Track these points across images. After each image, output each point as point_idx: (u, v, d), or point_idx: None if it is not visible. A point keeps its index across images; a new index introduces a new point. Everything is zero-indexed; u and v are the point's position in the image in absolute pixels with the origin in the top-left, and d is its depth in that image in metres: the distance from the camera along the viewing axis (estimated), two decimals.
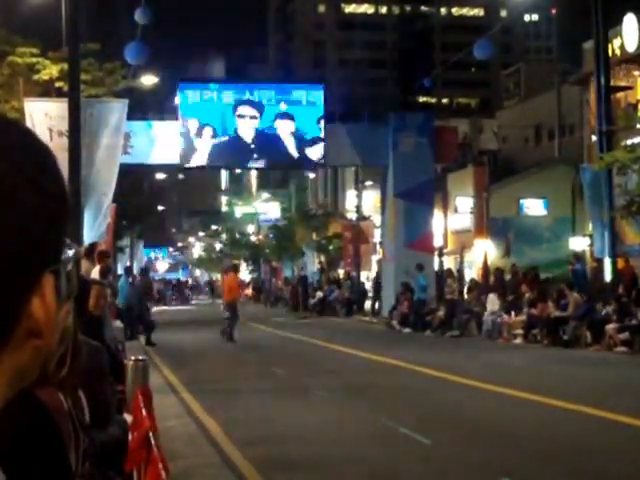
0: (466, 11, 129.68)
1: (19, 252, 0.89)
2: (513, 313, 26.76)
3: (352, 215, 49.40)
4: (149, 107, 42.92)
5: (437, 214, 38.11)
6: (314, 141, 35.49)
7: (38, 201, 0.91)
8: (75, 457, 1.88)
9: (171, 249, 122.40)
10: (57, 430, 1.46)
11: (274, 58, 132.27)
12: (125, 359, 8.81)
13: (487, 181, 40.24)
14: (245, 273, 73.24)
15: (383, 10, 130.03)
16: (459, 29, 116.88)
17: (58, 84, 24.72)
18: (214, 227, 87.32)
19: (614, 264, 27.06)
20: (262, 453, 9.91)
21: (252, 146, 35.21)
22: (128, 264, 40.77)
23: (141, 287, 28.16)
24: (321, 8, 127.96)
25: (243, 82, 38.97)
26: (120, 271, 34.38)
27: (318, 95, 36.25)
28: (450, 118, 52.00)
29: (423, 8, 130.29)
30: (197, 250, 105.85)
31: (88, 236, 19.23)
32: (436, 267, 37.36)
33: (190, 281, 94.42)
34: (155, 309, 34.27)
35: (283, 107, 35.55)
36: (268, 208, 69.88)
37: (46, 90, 25.19)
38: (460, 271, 38.87)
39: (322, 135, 35.46)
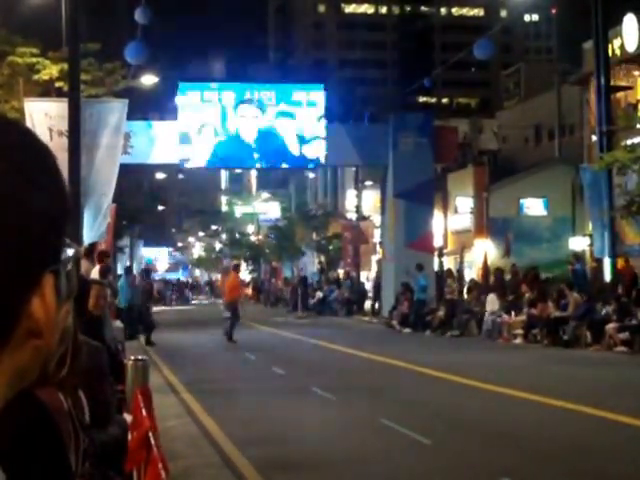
0: (466, 11, 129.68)
1: (19, 252, 0.89)
2: (513, 313, 26.76)
3: (352, 215, 49.40)
4: (149, 107, 42.93)
5: (437, 214, 38.12)
6: (314, 141, 35.49)
7: (38, 201, 0.91)
8: (75, 457, 1.88)
9: (171, 249, 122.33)
10: (57, 430, 1.46)
11: (274, 58, 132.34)
12: (125, 359, 8.81)
13: (487, 181, 40.27)
14: (245, 273, 73.18)
15: (383, 10, 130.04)
16: (459, 29, 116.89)
17: (58, 84, 24.70)
18: (214, 227, 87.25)
19: (614, 264, 27.07)
20: (262, 453, 9.91)
21: (253, 146, 35.22)
22: (128, 264, 40.79)
23: (143, 288, 28.21)
24: (321, 8, 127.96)
25: (243, 82, 38.98)
26: (120, 271, 34.39)
27: (318, 95, 36.26)
28: (450, 118, 52.04)
29: (423, 8, 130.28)
30: (197, 250, 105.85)
31: (88, 236, 19.22)
32: (436, 267, 37.37)
33: (190, 281, 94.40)
34: (155, 309, 34.24)
35: (283, 107, 35.56)
36: (268, 208, 69.89)
37: (46, 90, 25.16)
38: (460, 271, 38.88)
39: (322, 135, 35.48)
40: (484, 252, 38.52)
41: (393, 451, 9.94)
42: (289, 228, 57.38)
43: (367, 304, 42.24)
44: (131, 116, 25.78)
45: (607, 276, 27.28)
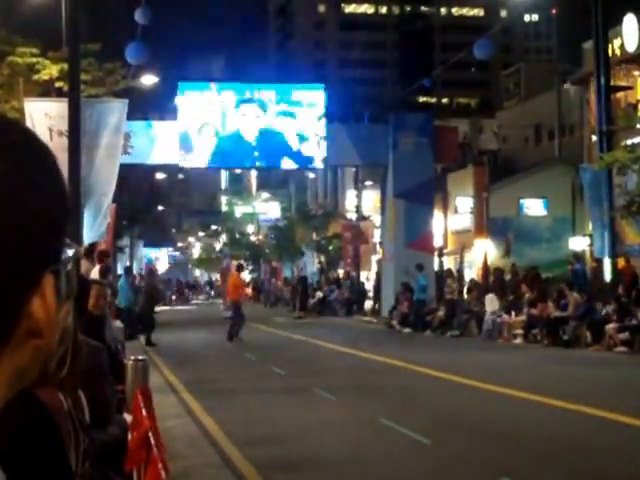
0: (466, 11, 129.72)
1: (19, 252, 0.89)
2: (513, 313, 26.76)
3: (352, 215, 49.40)
4: (149, 107, 42.90)
5: (437, 214, 38.12)
6: (314, 141, 35.50)
7: (38, 201, 0.91)
8: (75, 457, 1.88)
9: (171, 249, 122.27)
10: (57, 430, 1.46)
11: (274, 58, 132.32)
12: (125, 359, 8.81)
13: (487, 181, 40.27)
14: (245, 273, 73.13)
15: (383, 10, 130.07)
16: (459, 29, 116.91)
17: (58, 84, 24.71)
18: (214, 227, 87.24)
19: (614, 264, 27.06)
20: (262, 453, 9.91)
21: (254, 144, 35.22)
22: (128, 264, 40.79)
23: (146, 288, 28.23)
24: (321, 8, 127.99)
25: (243, 82, 38.96)
26: (120, 271, 34.39)
27: (318, 95, 36.27)
28: (450, 118, 52.03)
29: (423, 8, 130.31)
30: (197, 250, 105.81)
31: (88, 236, 19.22)
32: (436, 267, 37.37)
33: (190, 281, 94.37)
34: (155, 309, 34.28)
35: (283, 107, 35.57)
36: (268, 208, 69.88)
37: (46, 90, 25.16)
38: (460, 271, 38.87)
39: (322, 135, 35.48)
40: (484, 252, 38.52)
41: (393, 451, 9.94)
42: (289, 228, 57.37)
43: (367, 304, 42.25)
44: (131, 116, 25.78)
45: (607, 276, 27.28)
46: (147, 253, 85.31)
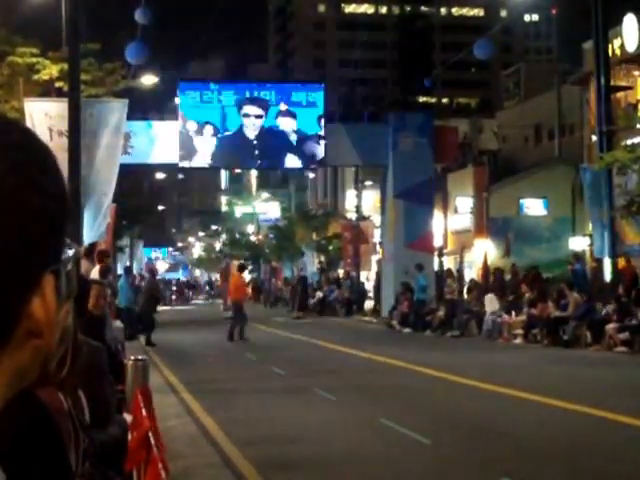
0: (466, 11, 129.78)
1: (19, 252, 0.89)
2: (513, 313, 26.77)
3: (352, 215, 49.38)
4: (149, 107, 42.93)
5: (437, 214, 38.12)
6: (314, 141, 35.50)
7: (38, 201, 0.91)
8: (75, 457, 1.88)
9: (171, 249, 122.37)
10: (57, 430, 1.46)
11: (274, 58, 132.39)
12: (125, 359, 8.81)
13: (487, 181, 40.29)
14: (245, 273, 73.15)
15: (383, 10, 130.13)
16: (459, 29, 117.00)
17: (58, 84, 24.71)
18: (214, 227, 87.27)
19: (614, 264, 27.07)
20: (262, 453, 9.91)
21: (255, 142, 35.20)
22: (128, 264, 40.80)
23: (148, 288, 28.23)
24: (321, 8, 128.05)
25: (243, 82, 38.97)
26: (120, 271, 34.39)
27: (318, 95, 36.25)
28: (450, 118, 52.04)
29: (423, 8, 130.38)
30: (197, 250, 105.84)
31: (88, 236, 19.22)
32: (436, 267, 37.37)
33: (190, 281, 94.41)
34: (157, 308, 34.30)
35: (283, 107, 35.57)
36: (268, 208, 69.86)
37: (46, 90, 25.16)
38: (460, 271, 38.88)
39: (322, 135, 35.48)
40: (484, 252, 38.53)
41: (393, 451, 9.93)
42: (289, 228, 57.35)
43: (367, 304, 42.24)
44: (131, 116, 25.79)
45: (607, 276, 27.28)
46: (148, 255, 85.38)
